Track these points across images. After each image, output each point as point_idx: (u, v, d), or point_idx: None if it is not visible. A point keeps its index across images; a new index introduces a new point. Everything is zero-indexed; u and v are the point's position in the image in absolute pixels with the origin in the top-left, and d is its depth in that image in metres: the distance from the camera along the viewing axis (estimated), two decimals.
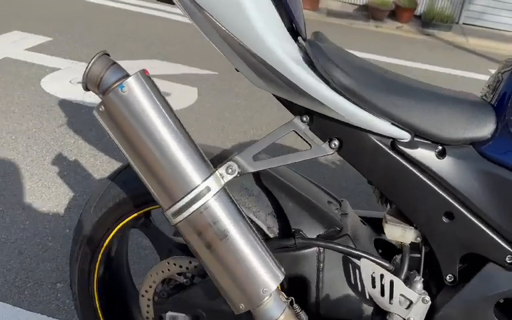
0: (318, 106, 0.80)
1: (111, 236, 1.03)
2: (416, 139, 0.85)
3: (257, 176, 0.98)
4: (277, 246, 0.93)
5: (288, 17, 0.84)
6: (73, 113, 2.54)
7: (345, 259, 0.94)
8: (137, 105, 0.76)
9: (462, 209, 0.85)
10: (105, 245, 1.04)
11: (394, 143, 0.84)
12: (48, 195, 1.90)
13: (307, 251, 0.92)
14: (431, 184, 0.85)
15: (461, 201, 0.85)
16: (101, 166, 2.14)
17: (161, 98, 0.79)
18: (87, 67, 0.76)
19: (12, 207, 1.82)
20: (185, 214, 0.78)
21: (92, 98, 2.66)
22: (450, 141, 0.84)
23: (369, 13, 6.56)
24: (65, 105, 2.62)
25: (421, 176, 0.85)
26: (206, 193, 0.78)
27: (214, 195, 0.79)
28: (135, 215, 1.01)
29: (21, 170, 2.05)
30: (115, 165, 2.11)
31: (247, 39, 0.74)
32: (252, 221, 0.95)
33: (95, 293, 1.10)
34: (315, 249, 0.92)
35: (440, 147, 0.85)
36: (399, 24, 6.35)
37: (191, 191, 0.78)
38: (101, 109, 0.77)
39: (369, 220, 1.11)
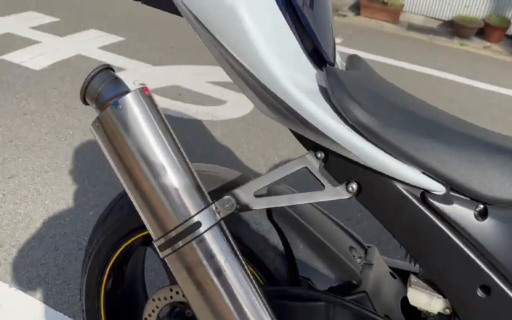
0: (331, 144, 0.70)
1: (118, 252, 1.00)
2: (452, 193, 0.71)
3: (269, 210, 0.89)
4: (281, 293, 0.83)
5: (311, 39, 0.75)
6: None
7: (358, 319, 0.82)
8: (132, 124, 0.71)
9: (502, 284, 0.69)
10: (112, 260, 1.01)
11: (424, 195, 0.70)
12: (92, 194, 1.95)
13: (313, 304, 0.81)
14: (466, 249, 0.70)
15: (502, 274, 0.69)
16: None
17: (159, 119, 0.73)
18: (85, 80, 0.72)
19: (57, 201, 1.88)
20: (175, 247, 0.72)
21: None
22: (493, 200, 0.69)
23: (453, 29, 6.12)
24: None
25: (454, 238, 0.70)
26: (198, 226, 0.71)
27: (207, 231, 0.72)
28: (145, 233, 0.96)
29: (72, 166, 2.12)
30: None
31: (248, 61, 0.66)
32: (257, 261, 0.86)
33: (102, 308, 1.07)
34: (323, 303, 0.81)
35: (481, 206, 0.70)
36: (487, 43, 5.85)
37: (183, 222, 0.71)
38: (96, 125, 0.73)
39: (401, 272, 0.97)
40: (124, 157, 0.72)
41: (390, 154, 0.68)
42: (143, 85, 0.76)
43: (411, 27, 6.19)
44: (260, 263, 0.87)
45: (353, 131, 0.67)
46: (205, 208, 0.72)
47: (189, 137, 2.47)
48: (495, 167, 0.68)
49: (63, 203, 1.87)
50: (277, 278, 0.86)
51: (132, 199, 0.74)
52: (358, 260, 0.91)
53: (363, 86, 0.72)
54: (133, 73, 3.16)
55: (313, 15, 0.75)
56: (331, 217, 0.97)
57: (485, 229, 0.69)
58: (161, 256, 0.74)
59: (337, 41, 4.69)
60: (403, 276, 0.96)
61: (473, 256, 0.70)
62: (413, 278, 0.79)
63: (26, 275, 1.54)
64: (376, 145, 0.68)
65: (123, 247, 0.99)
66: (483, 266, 0.70)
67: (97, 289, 1.05)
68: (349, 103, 0.67)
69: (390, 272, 0.96)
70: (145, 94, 0.73)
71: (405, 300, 0.91)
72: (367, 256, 0.94)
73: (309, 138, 0.72)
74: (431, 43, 5.62)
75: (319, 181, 0.75)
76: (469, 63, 4.87)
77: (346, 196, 0.75)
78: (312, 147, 0.75)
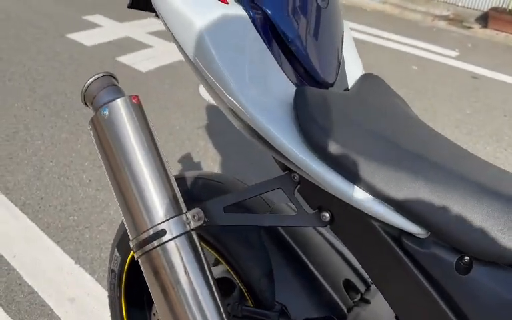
0: (299, 170, 0.66)
1: (128, 260, 1.05)
2: (432, 238, 0.61)
3: (262, 228, 0.87)
4: (252, 314, 0.80)
5: (299, 62, 0.72)
6: (215, 117, 2.74)
7: None
8: (116, 129, 0.75)
9: None
10: (125, 269, 1.06)
11: (401, 236, 0.62)
12: None
13: None
14: (442, 304, 0.60)
15: None
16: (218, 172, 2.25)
17: (144, 126, 0.77)
18: (85, 83, 0.79)
19: None
20: (144, 249, 0.75)
21: None
22: (480, 255, 0.58)
23: None
24: (211, 109, 2.84)
25: (429, 289, 0.61)
26: (163, 234, 0.73)
27: (174, 238, 0.73)
28: None
29: None
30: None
31: (213, 76, 0.65)
32: (244, 279, 0.85)
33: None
34: None
35: (466, 258, 0.59)
36: None
37: (153, 226, 0.74)
38: (90, 126, 0.79)
39: None
40: (109, 158, 0.77)
41: (363, 189, 0.61)
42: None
43: None
44: (247, 281, 0.85)
45: (319, 160, 0.62)
46: (173, 217, 0.73)
47: None
48: (484, 215, 0.58)
49: None
50: (261, 299, 0.84)
51: (116, 198, 0.79)
52: (352, 295, 0.83)
53: (340, 109, 0.66)
54: None
55: (304, 35, 0.72)
56: (335, 245, 0.91)
57: (467, 284, 0.59)
58: (135, 257, 0.77)
59: (452, 54, 4.30)
60: None
61: (449, 312, 0.60)
62: None
63: (91, 255, 1.72)
64: (347, 178, 0.62)
65: (131, 255, 1.04)
66: None
67: (118, 299, 1.11)
68: (311, 128, 0.62)
69: (396, 317, 0.86)
70: (133, 102, 0.77)
71: None
72: (367, 293, 0.86)
73: (281, 161, 0.69)
74: None
75: (293, 204, 0.72)
76: None
77: (319, 224, 0.70)
78: (288, 168, 0.72)
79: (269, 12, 0.69)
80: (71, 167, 2.20)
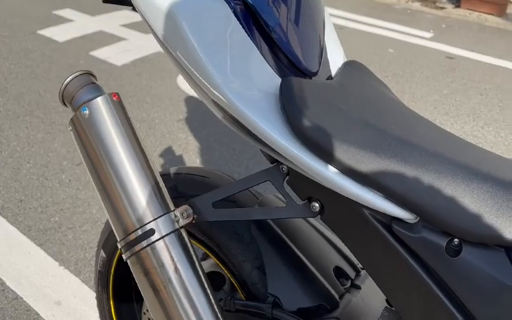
0: (287, 162, 0.65)
1: (115, 260, 1.03)
2: (422, 222, 0.62)
3: (251, 221, 0.86)
4: (245, 307, 0.80)
5: (282, 51, 0.71)
6: (195, 109, 2.71)
7: None
8: (98, 128, 0.73)
9: None
10: (112, 269, 1.04)
11: (391, 223, 0.63)
12: None
13: None
14: (433, 286, 0.61)
15: (471, 315, 0.59)
16: (200, 166, 2.23)
17: (126, 124, 0.75)
18: (63, 83, 0.77)
19: None
20: (133, 250, 0.73)
21: None
22: (469, 236, 0.59)
23: None
24: (190, 100, 2.80)
25: (421, 273, 0.62)
26: (152, 233, 0.72)
27: (163, 237, 0.72)
28: None
29: None
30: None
31: (196, 70, 0.64)
32: (235, 272, 0.84)
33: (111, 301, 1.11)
34: None
35: (455, 241, 0.60)
36: None
37: (141, 226, 0.72)
38: (70, 126, 0.77)
39: None
40: (92, 158, 0.75)
41: (352, 178, 0.61)
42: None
43: None
44: (238, 275, 0.85)
45: (308, 151, 0.61)
46: (162, 215, 0.72)
47: None
48: (473, 197, 0.58)
49: None
50: (253, 292, 0.84)
51: (100, 200, 0.77)
52: (342, 281, 0.84)
53: (326, 99, 0.66)
54: None
55: (286, 23, 0.71)
56: (325, 233, 0.91)
57: (457, 266, 0.59)
58: (124, 258, 0.76)
59: (427, 35, 4.35)
60: None
61: (440, 294, 0.61)
62: (385, 312, 0.71)
63: (75, 256, 1.69)
64: (336, 167, 0.61)
65: (117, 256, 1.02)
66: (451, 307, 0.60)
67: (105, 303, 1.09)
68: (299, 120, 0.61)
69: (386, 300, 0.87)
70: (114, 99, 0.75)
71: None
72: (357, 279, 0.86)
73: (268, 153, 0.68)
74: None
75: (282, 195, 0.71)
76: None
77: (309, 215, 0.70)
78: (276, 160, 0.71)
79: (250, 1, 0.68)
80: (49, 167, 2.15)
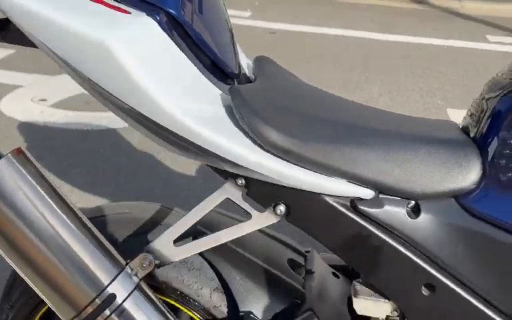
0: (248, 172, 0.63)
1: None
2: (381, 195, 0.67)
3: None
4: None
5: (209, 57, 0.66)
6: (33, 136, 2.36)
7: None
8: (10, 196, 0.58)
9: (444, 279, 0.67)
10: None
11: (354, 204, 0.66)
12: None
13: None
14: (403, 250, 0.67)
15: (443, 268, 0.67)
16: None
17: (42, 182, 0.61)
18: None
19: None
20: None
21: (56, 117, 2.48)
22: (424, 196, 0.66)
23: None
24: (24, 128, 2.43)
25: (390, 241, 0.67)
26: (114, 298, 0.61)
27: (128, 296, 0.62)
28: None
29: None
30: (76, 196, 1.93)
31: (133, 100, 0.56)
32: (193, 303, 0.78)
33: None
34: None
35: (413, 203, 0.67)
36: None
37: (98, 294, 0.61)
38: None
39: (344, 269, 0.94)
40: (9, 237, 0.59)
41: (312, 170, 0.63)
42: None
43: None
44: (197, 304, 0.79)
45: (268, 155, 0.62)
46: (119, 273, 0.62)
47: (102, 149, 2.30)
48: (420, 162, 0.65)
49: None
50: (218, 316, 0.79)
51: (28, 281, 0.62)
52: (299, 271, 0.86)
53: (273, 101, 0.66)
54: (29, 89, 2.86)
55: (206, 28, 0.66)
56: (265, 231, 0.91)
57: (420, 226, 0.66)
58: None
59: (246, 15, 4.60)
60: (345, 272, 0.93)
61: (411, 256, 0.67)
62: (357, 286, 0.75)
63: None
64: (296, 164, 0.62)
65: (38, 316, 0.85)
66: (423, 264, 0.67)
67: None
68: (260, 126, 0.60)
69: (332, 272, 0.92)
70: (19, 157, 0.60)
71: (351, 300, 0.88)
72: (307, 263, 0.89)
73: (224, 169, 0.64)
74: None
75: (245, 210, 0.68)
76: (369, 16, 4.99)
77: (275, 220, 0.69)
78: (231, 174, 0.67)
79: (173, 12, 0.62)
80: None
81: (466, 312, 0.68)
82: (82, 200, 1.88)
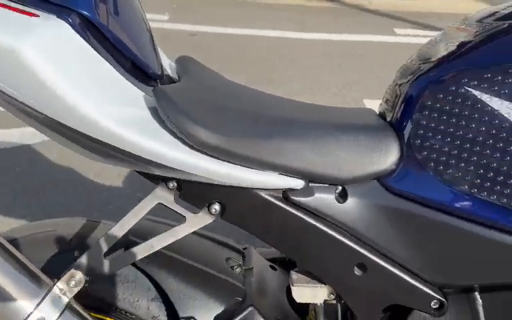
0: (179, 173, 0.61)
1: None
2: (311, 184, 0.69)
3: None
4: None
5: (129, 59, 0.64)
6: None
7: None
8: None
9: (374, 258, 0.71)
10: None
11: (286, 195, 0.68)
12: None
13: None
14: (335, 234, 0.70)
15: (372, 248, 0.71)
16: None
17: None
18: None
19: None
20: None
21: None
22: (349, 180, 0.69)
23: None
24: None
25: (321, 227, 0.69)
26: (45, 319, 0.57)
27: (59, 318, 0.58)
28: None
29: None
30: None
31: (49, 109, 0.53)
32: (130, 317, 0.75)
33: None
34: None
35: (340, 188, 0.69)
36: None
37: None
38: None
39: (281, 261, 0.95)
40: None
41: (242, 165, 0.63)
42: None
43: None
44: (134, 317, 0.76)
45: (198, 154, 0.61)
46: (46, 295, 0.58)
47: (18, 168, 2.13)
48: (342, 149, 0.68)
49: None
50: None
51: None
52: (238, 270, 0.86)
53: (200, 99, 0.65)
54: None
55: (123, 29, 0.64)
56: (200, 232, 0.89)
57: (348, 209, 0.69)
58: None
59: (164, 18, 4.51)
60: (283, 264, 0.94)
61: (342, 239, 0.70)
62: (293, 275, 0.77)
63: None
64: (227, 161, 0.62)
65: None
66: (354, 245, 0.70)
67: None
68: (188, 125, 0.59)
69: (270, 265, 0.94)
70: None
71: (289, 290, 0.90)
72: (245, 260, 0.89)
73: (153, 173, 0.63)
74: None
75: (178, 213, 0.67)
76: (285, 15, 5.15)
77: (210, 220, 0.68)
78: (161, 178, 0.66)
79: (86, 13, 0.59)
80: None
81: (396, 286, 0.72)
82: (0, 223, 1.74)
